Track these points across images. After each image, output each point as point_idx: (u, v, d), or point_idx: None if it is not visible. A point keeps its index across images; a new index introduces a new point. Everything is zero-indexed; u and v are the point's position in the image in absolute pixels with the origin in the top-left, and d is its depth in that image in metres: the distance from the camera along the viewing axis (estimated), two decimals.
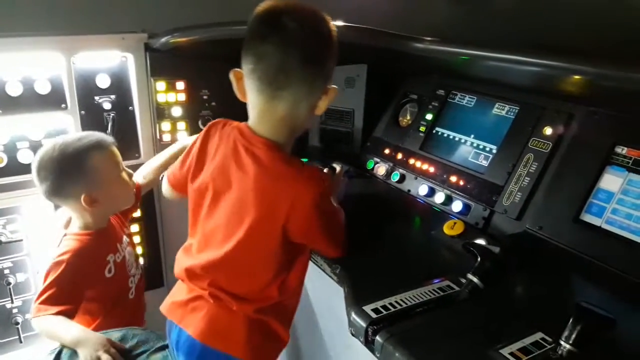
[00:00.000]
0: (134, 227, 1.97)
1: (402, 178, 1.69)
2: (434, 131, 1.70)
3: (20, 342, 1.82)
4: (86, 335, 1.32)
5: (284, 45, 1.02)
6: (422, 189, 1.60)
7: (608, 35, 1.43)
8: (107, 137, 1.50)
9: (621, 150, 1.25)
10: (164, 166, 1.63)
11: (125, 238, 1.60)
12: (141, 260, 1.77)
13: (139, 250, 1.97)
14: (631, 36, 1.37)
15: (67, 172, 1.40)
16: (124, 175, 1.51)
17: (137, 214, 1.87)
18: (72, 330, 1.32)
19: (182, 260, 1.24)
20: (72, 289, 1.40)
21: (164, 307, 1.28)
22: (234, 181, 1.14)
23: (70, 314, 1.39)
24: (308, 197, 1.07)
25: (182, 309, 1.22)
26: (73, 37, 1.72)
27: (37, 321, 1.37)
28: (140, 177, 1.68)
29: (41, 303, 1.37)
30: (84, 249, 1.44)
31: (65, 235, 1.50)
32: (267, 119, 1.11)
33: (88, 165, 1.41)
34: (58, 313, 1.36)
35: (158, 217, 2.03)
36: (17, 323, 1.82)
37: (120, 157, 1.51)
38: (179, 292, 1.26)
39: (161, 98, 1.88)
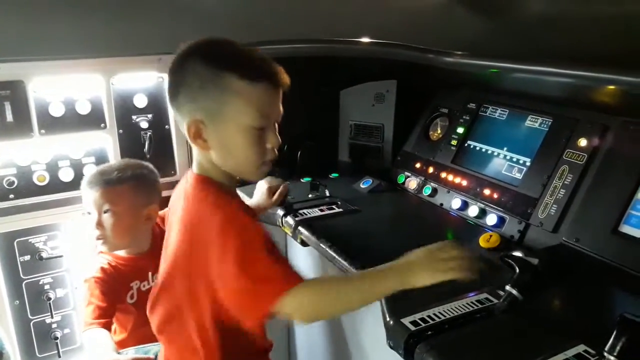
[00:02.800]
0: None
1: (434, 192, 1.69)
2: (465, 144, 1.70)
3: (59, 356, 1.86)
4: None
5: None
6: (455, 203, 1.60)
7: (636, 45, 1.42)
8: (111, 177, 1.51)
9: None
10: None
11: None
12: None
13: None
14: None
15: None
16: (115, 216, 1.50)
17: None
18: (105, 355, 1.36)
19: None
20: (106, 304, 1.47)
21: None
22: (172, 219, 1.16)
23: (110, 326, 1.46)
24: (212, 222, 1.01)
25: None
26: (112, 59, 1.79)
27: (84, 336, 1.45)
28: None
29: (88, 318, 1.45)
30: (109, 270, 1.53)
31: (100, 252, 1.57)
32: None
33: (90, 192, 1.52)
34: (101, 325, 1.42)
35: None
36: (57, 338, 1.86)
37: (115, 198, 1.50)
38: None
39: None
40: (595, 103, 1.39)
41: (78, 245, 1.83)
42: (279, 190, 1.60)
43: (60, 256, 1.84)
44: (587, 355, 0.92)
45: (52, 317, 1.84)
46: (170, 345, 1.20)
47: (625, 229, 1.24)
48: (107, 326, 1.45)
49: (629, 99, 1.26)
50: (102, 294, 1.47)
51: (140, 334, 1.56)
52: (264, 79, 1.01)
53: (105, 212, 1.51)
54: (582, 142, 1.38)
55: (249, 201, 1.58)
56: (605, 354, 0.89)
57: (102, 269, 1.52)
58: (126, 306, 1.56)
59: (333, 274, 1.40)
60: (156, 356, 1.44)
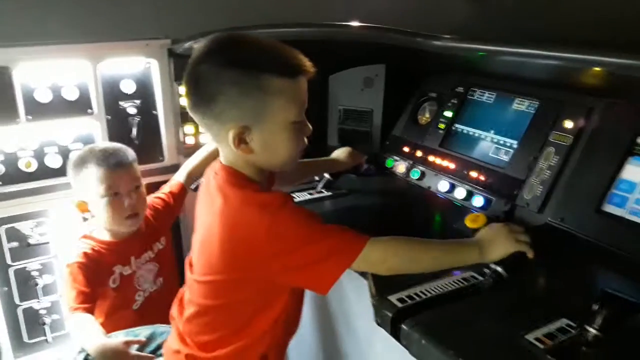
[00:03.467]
0: None
1: (422, 175, 1.70)
2: (453, 128, 1.71)
3: (48, 342, 1.86)
4: (105, 346, 1.33)
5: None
6: (443, 185, 1.61)
7: (625, 28, 1.44)
8: (116, 159, 1.50)
9: None
10: (209, 159, 1.69)
11: (148, 254, 1.64)
12: None
13: None
14: None
15: (71, 174, 1.53)
16: (118, 198, 1.50)
17: None
18: (95, 339, 1.35)
19: (172, 307, 1.29)
20: (89, 289, 1.47)
21: (164, 346, 1.32)
22: (204, 214, 1.15)
23: (93, 312, 1.46)
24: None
25: (171, 357, 1.25)
26: (99, 45, 1.77)
27: (69, 321, 1.45)
28: (183, 174, 1.73)
29: (72, 303, 1.45)
30: (92, 255, 1.53)
31: (83, 235, 1.57)
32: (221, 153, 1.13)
33: (81, 175, 1.50)
34: (85, 310, 1.43)
35: (181, 223, 2.06)
36: (45, 323, 1.86)
37: (120, 179, 1.50)
38: (172, 336, 1.27)
39: (184, 102, 1.92)
40: (580, 85, 1.41)
41: (66, 231, 1.83)
42: (359, 156, 1.69)
43: (47, 242, 1.84)
44: (569, 329, 0.94)
45: (40, 303, 1.84)
46: (204, 330, 1.17)
47: (609, 208, 1.26)
48: (91, 311, 1.45)
49: (614, 81, 1.27)
50: (85, 278, 1.47)
51: (116, 318, 1.56)
52: (299, 72, 1.02)
53: (136, 187, 1.54)
54: (568, 124, 1.40)
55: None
56: (587, 327, 0.91)
57: (85, 253, 1.51)
58: (105, 290, 1.55)
59: None
60: (147, 339, 1.45)
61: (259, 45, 1.01)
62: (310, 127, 1.09)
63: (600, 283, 1.18)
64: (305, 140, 1.10)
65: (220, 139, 1.05)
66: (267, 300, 1.11)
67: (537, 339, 0.91)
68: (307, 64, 1.03)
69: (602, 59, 1.13)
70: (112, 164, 1.49)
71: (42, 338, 1.86)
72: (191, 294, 1.19)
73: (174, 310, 1.28)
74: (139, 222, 1.57)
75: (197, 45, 1.03)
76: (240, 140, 1.02)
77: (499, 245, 1.04)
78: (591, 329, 0.90)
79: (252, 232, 1.00)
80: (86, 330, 1.38)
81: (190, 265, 1.21)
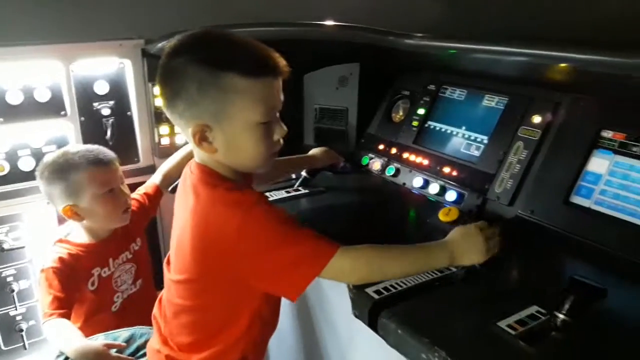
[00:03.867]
0: None
1: (397, 172, 1.73)
2: (426, 125, 1.75)
3: (25, 348, 1.83)
4: (85, 348, 1.33)
5: None
6: (417, 181, 1.64)
7: (588, 24, 1.49)
8: (104, 157, 1.51)
9: (607, 134, 1.30)
10: (185, 161, 1.69)
11: (125, 255, 1.63)
12: None
13: None
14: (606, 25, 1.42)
15: (53, 181, 1.48)
16: (114, 194, 1.51)
17: None
18: (74, 341, 1.35)
19: (154, 308, 1.28)
20: (65, 294, 1.46)
21: (147, 346, 1.32)
22: (179, 212, 1.14)
23: (69, 317, 1.45)
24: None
25: (153, 357, 1.25)
26: (71, 45, 1.76)
27: (45, 327, 1.42)
28: (159, 176, 1.73)
29: (47, 309, 1.43)
30: (68, 259, 1.51)
31: (58, 240, 1.55)
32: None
33: (72, 179, 1.47)
34: (61, 316, 1.42)
35: (158, 223, 2.06)
36: (22, 330, 1.83)
37: (113, 176, 1.52)
38: (154, 335, 1.28)
39: (159, 102, 1.91)
40: (547, 81, 1.45)
41: (40, 235, 1.81)
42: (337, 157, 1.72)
43: (22, 247, 1.81)
44: (539, 315, 0.97)
45: (16, 309, 1.81)
46: (181, 332, 1.17)
47: (576, 199, 1.30)
48: (67, 316, 1.44)
49: (579, 76, 1.31)
50: (60, 284, 1.45)
51: (95, 321, 1.56)
52: (266, 73, 0.99)
53: (123, 182, 1.56)
54: (536, 119, 1.44)
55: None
56: (556, 313, 0.95)
57: (60, 258, 1.49)
58: (83, 294, 1.54)
59: None
60: (127, 341, 1.45)
61: (230, 44, 1.00)
62: (285, 127, 1.07)
63: (568, 271, 1.21)
64: (281, 141, 1.08)
65: (187, 137, 1.05)
66: (241, 302, 1.11)
67: (508, 326, 0.94)
68: (280, 64, 1.01)
69: (566, 55, 1.18)
70: (103, 161, 1.50)
71: (19, 345, 1.83)
72: (168, 294, 1.19)
73: (155, 311, 1.28)
74: (128, 219, 1.59)
75: (171, 41, 1.02)
76: (202, 138, 1.01)
77: (470, 255, 1.05)
78: (560, 315, 0.94)
79: (223, 232, 0.99)
80: (64, 334, 1.38)
81: (168, 264, 1.21)
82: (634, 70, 1.05)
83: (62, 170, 1.47)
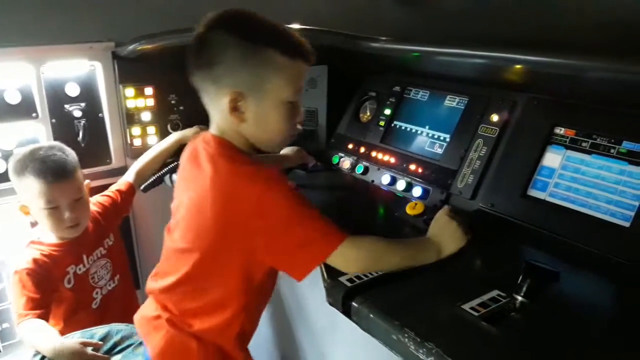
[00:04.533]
0: None
1: (366, 170, 1.80)
2: (392, 125, 1.82)
3: (0, 350, 1.83)
4: (62, 346, 1.35)
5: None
6: (385, 179, 1.71)
7: (546, 27, 1.58)
8: (55, 171, 1.47)
9: (559, 130, 1.39)
10: (158, 159, 1.72)
11: (99, 251, 1.65)
12: None
13: None
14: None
15: (13, 176, 1.51)
16: (59, 210, 1.50)
17: None
18: (51, 340, 1.37)
19: (149, 281, 1.30)
20: (40, 295, 1.47)
21: (136, 317, 1.33)
22: (191, 181, 1.16)
23: (45, 318, 1.46)
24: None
25: (148, 325, 1.26)
26: (41, 47, 1.77)
27: (20, 328, 1.43)
28: (132, 174, 1.75)
29: (21, 310, 1.44)
30: (41, 260, 1.52)
31: (31, 242, 1.56)
32: (211, 124, 1.16)
33: (24, 182, 1.49)
34: (37, 316, 1.43)
35: (132, 222, 2.07)
36: None
37: (63, 192, 1.49)
38: (149, 305, 1.29)
39: (130, 104, 1.94)
40: (505, 82, 1.54)
41: (13, 237, 1.80)
42: (308, 157, 1.80)
43: None
44: (500, 298, 1.05)
45: None
46: (184, 298, 1.19)
47: (533, 192, 1.39)
48: (43, 317, 1.45)
49: (534, 77, 1.40)
50: (34, 285, 1.47)
51: (76, 320, 1.57)
52: (302, 56, 1.07)
53: (78, 199, 1.52)
54: (494, 118, 1.53)
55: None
56: (514, 295, 1.03)
57: (34, 259, 1.51)
58: (60, 293, 1.55)
59: None
60: (103, 339, 1.47)
61: (270, 23, 1.08)
62: (302, 113, 1.15)
63: (527, 258, 1.30)
64: (299, 126, 1.15)
65: (215, 104, 1.09)
66: (247, 274, 1.14)
67: (472, 308, 1.01)
68: (310, 50, 1.09)
69: (521, 57, 1.26)
70: (51, 178, 1.46)
71: None
72: (168, 263, 1.21)
73: (150, 284, 1.28)
74: (80, 231, 1.58)
75: (208, 15, 1.07)
76: (235, 108, 1.06)
77: (452, 244, 1.16)
78: (518, 297, 1.02)
79: (242, 204, 1.03)
80: (40, 334, 1.39)
81: (169, 232, 1.22)
82: (580, 71, 1.15)
83: (20, 170, 1.49)
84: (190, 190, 1.15)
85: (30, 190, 1.47)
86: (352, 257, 1.08)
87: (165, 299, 1.22)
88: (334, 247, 1.04)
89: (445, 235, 1.17)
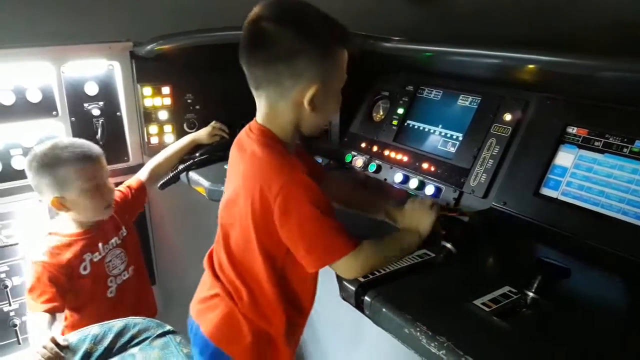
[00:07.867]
0: None
1: (379, 168, 1.82)
2: (405, 124, 1.84)
3: (19, 343, 1.88)
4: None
5: (244, 53, 1.10)
6: (397, 177, 1.73)
7: (559, 29, 1.59)
8: (91, 153, 1.57)
9: (572, 130, 1.40)
10: (172, 158, 1.76)
11: (114, 240, 1.69)
12: None
13: None
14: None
15: (41, 173, 1.53)
16: (99, 189, 1.57)
17: None
18: (38, 339, 1.40)
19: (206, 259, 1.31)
20: (54, 288, 1.51)
21: (191, 304, 1.32)
22: (238, 164, 1.18)
23: (58, 310, 1.50)
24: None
25: (201, 305, 1.27)
26: (62, 47, 1.81)
27: (29, 316, 1.48)
28: (145, 173, 1.79)
29: (33, 299, 1.49)
30: (59, 249, 1.57)
31: (49, 233, 1.60)
32: (259, 114, 1.16)
33: (60, 173, 1.52)
34: (46, 311, 1.47)
35: (148, 219, 2.11)
36: (15, 325, 1.88)
37: (99, 172, 1.58)
38: (203, 287, 1.30)
39: (148, 103, 1.98)
40: (517, 81, 1.55)
41: (33, 232, 1.85)
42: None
43: (16, 244, 1.85)
44: (511, 294, 1.06)
45: (10, 304, 1.86)
46: (231, 283, 1.20)
47: (545, 191, 1.40)
48: (57, 310, 1.50)
49: (547, 77, 1.40)
50: (49, 280, 1.52)
51: (92, 308, 1.61)
52: (349, 44, 1.12)
53: (106, 180, 1.62)
54: (507, 117, 1.54)
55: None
56: (525, 291, 1.04)
57: (51, 249, 1.56)
58: (76, 281, 1.59)
59: None
60: (121, 331, 1.50)
61: (323, 14, 1.09)
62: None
63: (537, 255, 1.31)
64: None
65: (286, 96, 1.08)
66: (267, 251, 1.14)
67: (483, 304, 1.03)
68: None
69: (534, 57, 1.27)
70: (88, 160, 1.55)
71: (13, 340, 1.87)
72: (224, 241, 1.22)
73: (205, 262, 1.30)
74: (112, 212, 1.65)
75: (264, 8, 1.06)
76: (312, 98, 1.08)
77: (425, 223, 1.17)
78: (529, 293, 1.04)
79: (267, 191, 1.05)
80: (36, 330, 1.43)
81: (224, 211, 1.23)
82: (593, 71, 1.16)
83: (51, 164, 1.52)
84: (234, 174, 1.19)
85: (67, 178, 1.52)
86: (352, 267, 1.08)
87: (221, 276, 1.23)
88: (336, 258, 1.05)
89: (415, 217, 1.20)
